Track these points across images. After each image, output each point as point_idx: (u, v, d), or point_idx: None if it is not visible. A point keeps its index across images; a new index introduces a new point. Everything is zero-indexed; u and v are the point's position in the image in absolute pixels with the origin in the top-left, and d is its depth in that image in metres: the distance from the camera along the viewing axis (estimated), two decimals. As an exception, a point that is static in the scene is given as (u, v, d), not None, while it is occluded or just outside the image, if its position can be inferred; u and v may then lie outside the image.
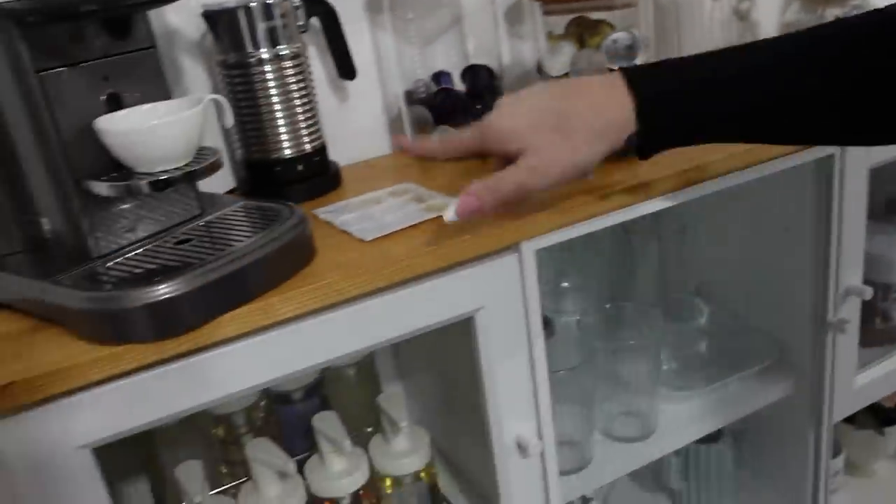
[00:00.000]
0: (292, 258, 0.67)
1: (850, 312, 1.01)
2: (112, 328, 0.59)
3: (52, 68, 0.59)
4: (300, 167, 0.84)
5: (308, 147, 0.85)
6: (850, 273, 1.00)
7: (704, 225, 1.10)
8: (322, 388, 0.94)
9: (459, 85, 0.94)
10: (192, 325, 0.60)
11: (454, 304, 0.73)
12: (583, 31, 0.84)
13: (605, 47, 0.81)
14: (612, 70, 0.82)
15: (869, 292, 0.99)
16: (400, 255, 0.68)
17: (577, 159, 0.64)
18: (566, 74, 0.84)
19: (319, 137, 0.86)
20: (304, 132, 0.84)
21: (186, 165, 0.62)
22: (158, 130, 0.59)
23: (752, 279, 1.08)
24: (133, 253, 0.66)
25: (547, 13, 0.85)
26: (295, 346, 0.65)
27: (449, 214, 0.64)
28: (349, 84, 0.95)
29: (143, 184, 0.61)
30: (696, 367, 1.04)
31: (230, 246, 0.64)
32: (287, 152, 0.84)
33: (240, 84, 0.81)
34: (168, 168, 0.62)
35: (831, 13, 1.03)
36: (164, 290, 0.58)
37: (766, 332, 1.07)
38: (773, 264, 1.04)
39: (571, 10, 0.83)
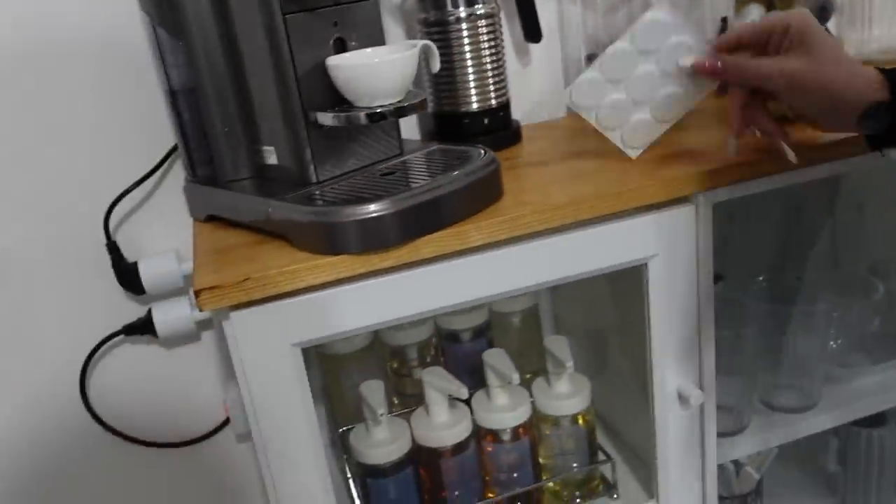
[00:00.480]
0: (484, 193, 0.73)
1: None
2: (327, 240, 0.67)
3: (294, 12, 0.67)
4: (486, 121, 0.91)
5: (494, 102, 0.91)
6: None
7: (883, 201, 1.07)
8: (489, 331, 1.00)
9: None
10: (396, 242, 0.67)
11: (632, 248, 0.76)
12: (772, -5, 0.85)
13: (797, 8, 0.82)
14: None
15: None
16: (585, 195, 0.72)
17: (824, 118, 0.68)
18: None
19: (505, 94, 0.92)
20: (492, 88, 0.90)
21: (399, 102, 0.69)
22: (382, 67, 0.67)
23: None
24: (345, 180, 0.74)
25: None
26: (485, 273, 0.71)
27: (687, 61, 0.73)
28: (532, 47, 1.00)
29: (362, 115, 0.68)
30: (865, 345, 1.02)
31: (430, 178, 0.70)
32: (475, 106, 0.90)
33: (438, 40, 0.87)
34: (384, 103, 0.69)
35: None
36: (373, 209, 0.66)
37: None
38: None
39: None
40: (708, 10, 1.05)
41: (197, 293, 0.64)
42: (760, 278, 0.99)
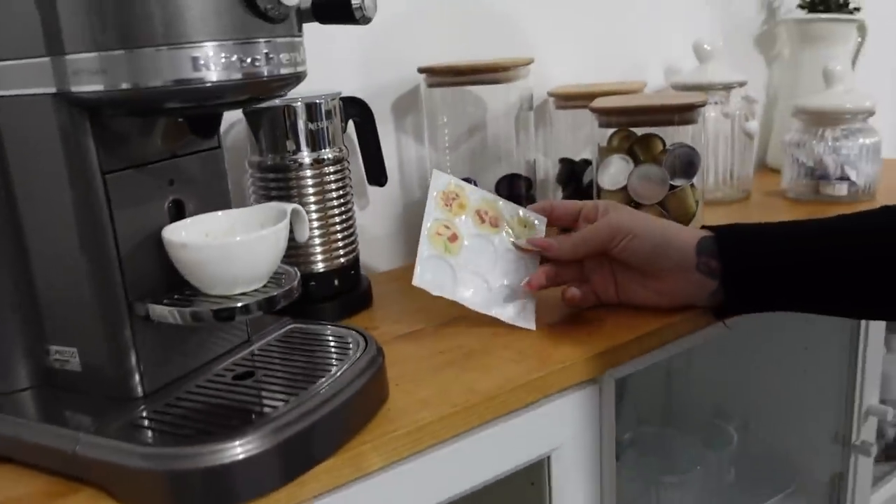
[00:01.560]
0: (373, 397, 0.57)
1: (870, 433, 1.00)
2: (173, 495, 0.47)
3: (118, 169, 0.48)
4: (336, 282, 0.75)
5: (343, 260, 0.76)
6: (869, 393, 0.98)
7: (714, 346, 1.07)
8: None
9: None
10: (272, 487, 0.48)
11: (538, 441, 0.65)
12: (633, 145, 0.81)
13: (666, 163, 0.78)
14: (673, 186, 0.79)
15: (891, 413, 0.97)
16: (492, 389, 0.59)
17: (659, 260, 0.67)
18: (625, 188, 0.79)
19: (354, 249, 0.77)
20: (341, 243, 0.75)
21: (265, 290, 0.52)
22: (243, 248, 0.49)
23: (770, 400, 1.05)
24: (184, 391, 0.54)
25: (604, 126, 0.81)
26: (383, 498, 0.55)
27: (520, 242, 0.71)
28: (371, 189, 0.88)
29: (211, 312, 0.50)
30: (724, 495, 0.99)
31: (310, 384, 0.53)
32: (321, 266, 0.74)
33: (275, 189, 0.72)
34: (245, 291, 0.51)
35: (830, 134, 1.06)
36: (239, 448, 0.47)
37: (785, 456, 1.04)
38: (793, 385, 1.02)
39: (631, 124, 0.80)
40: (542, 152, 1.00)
41: None
42: (627, 436, 0.93)
